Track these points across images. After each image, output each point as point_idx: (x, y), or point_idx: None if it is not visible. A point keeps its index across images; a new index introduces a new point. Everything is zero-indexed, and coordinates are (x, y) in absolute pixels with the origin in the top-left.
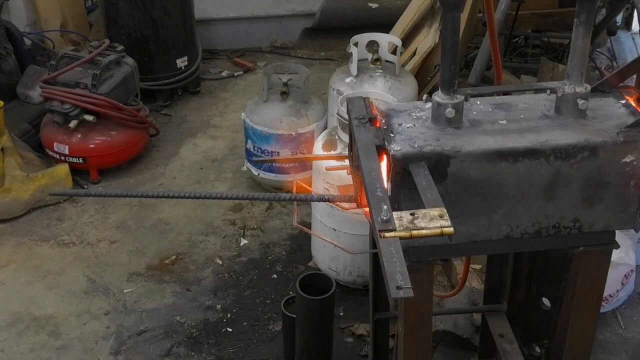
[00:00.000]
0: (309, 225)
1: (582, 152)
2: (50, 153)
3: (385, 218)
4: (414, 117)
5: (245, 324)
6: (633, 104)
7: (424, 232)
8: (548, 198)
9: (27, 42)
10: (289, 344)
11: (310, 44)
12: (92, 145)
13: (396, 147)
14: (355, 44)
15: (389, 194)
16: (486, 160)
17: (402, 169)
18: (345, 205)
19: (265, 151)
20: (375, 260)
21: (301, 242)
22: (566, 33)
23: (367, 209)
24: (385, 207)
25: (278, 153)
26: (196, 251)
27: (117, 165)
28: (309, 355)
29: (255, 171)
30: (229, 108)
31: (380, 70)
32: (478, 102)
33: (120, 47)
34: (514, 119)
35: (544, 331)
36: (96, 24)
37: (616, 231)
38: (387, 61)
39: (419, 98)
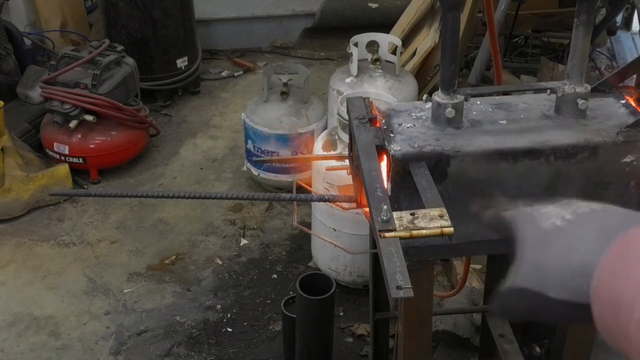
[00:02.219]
0: (309, 225)
1: (582, 152)
2: (50, 153)
3: (385, 218)
4: (414, 117)
5: (245, 324)
6: (633, 104)
7: (424, 232)
8: (548, 198)
9: (27, 42)
10: (289, 344)
11: (310, 44)
12: (92, 145)
13: (396, 147)
14: (355, 44)
15: (389, 194)
16: (486, 160)
17: (402, 169)
18: (345, 205)
19: (265, 151)
20: (375, 260)
21: (301, 242)
22: (566, 33)
23: (367, 209)
24: (385, 207)
25: (278, 153)
26: (196, 251)
27: (117, 165)
28: (309, 355)
29: (255, 171)
30: (229, 108)
31: (380, 70)
32: (478, 102)
33: (120, 47)
34: (514, 119)
35: (544, 331)
36: (96, 24)
37: None
38: (387, 61)
39: (419, 98)
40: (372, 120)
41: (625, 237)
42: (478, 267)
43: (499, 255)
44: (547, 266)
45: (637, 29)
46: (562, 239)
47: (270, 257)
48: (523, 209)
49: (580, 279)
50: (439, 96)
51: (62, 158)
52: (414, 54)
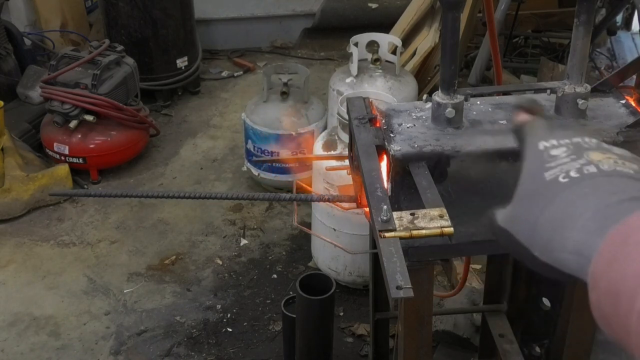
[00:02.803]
0: (309, 225)
1: None
2: (50, 153)
3: (385, 218)
4: (414, 117)
5: (245, 324)
6: (633, 104)
7: (424, 232)
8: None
9: (27, 42)
10: (289, 344)
11: (310, 44)
12: (92, 146)
13: (396, 147)
14: (355, 44)
15: (389, 194)
16: (486, 160)
17: (402, 169)
18: (345, 205)
19: (265, 151)
20: (375, 260)
21: (301, 242)
22: (566, 33)
23: (367, 209)
24: (385, 207)
25: (278, 153)
26: (196, 251)
27: (117, 165)
28: (309, 355)
29: (255, 171)
30: (229, 108)
31: (380, 70)
32: (478, 102)
33: (120, 47)
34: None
35: (544, 331)
36: (96, 24)
37: None
38: (387, 61)
39: (419, 98)
40: (372, 120)
41: (626, 223)
42: (478, 267)
43: (499, 255)
44: (539, 225)
45: (637, 29)
46: (559, 202)
47: (270, 257)
48: (538, 132)
49: (571, 257)
50: (439, 96)
51: (62, 158)
52: (414, 54)
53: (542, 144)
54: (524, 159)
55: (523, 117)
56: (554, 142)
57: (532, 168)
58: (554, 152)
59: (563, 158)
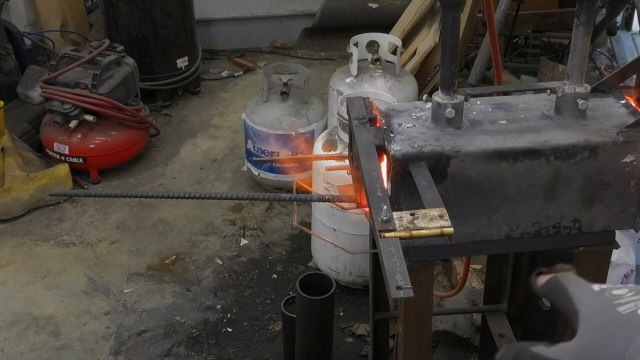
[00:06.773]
0: (309, 225)
1: (582, 152)
2: (51, 153)
3: (385, 218)
4: (414, 117)
5: (245, 324)
6: (633, 104)
7: (424, 232)
8: (548, 198)
9: (27, 42)
10: (289, 344)
11: (310, 44)
12: (92, 145)
13: (396, 147)
14: (355, 44)
15: (389, 194)
16: (486, 160)
17: (402, 169)
18: (345, 205)
19: (265, 151)
20: (375, 260)
21: (301, 242)
22: (566, 33)
23: (367, 209)
24: (385, 207)
25: (278, 153)
26: (196, 251)
27: (117, 165)
28: (309, 355)
29: (255, 171)
30: (229, 108)
31: (380, 70)
32: (478, 102)
33: (120, 47)
34: (514, 119)
35: (544, 331)
36: (96, 24)
37: (616, 231)
38: (387, 61)
39: (419, 98)
40: (372, 120)
41: None
42: (478, 267)
43: (499, 255)
44: (628, 357)
45: (637, 29)
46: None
47: (270, 257)
48: (580, 281)
49: None
50: (439, 96)
51: (62, 158)
52: (414, 54)
53: (597, 286)
54: (578, 303)
55: (548, 275)
56: (609, 285)
57: (598, 305)
58: (616, 292)
59: (631, 296)
